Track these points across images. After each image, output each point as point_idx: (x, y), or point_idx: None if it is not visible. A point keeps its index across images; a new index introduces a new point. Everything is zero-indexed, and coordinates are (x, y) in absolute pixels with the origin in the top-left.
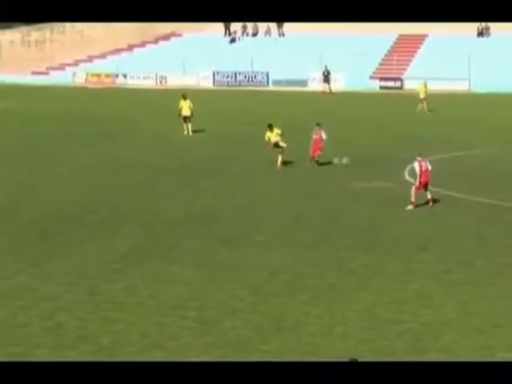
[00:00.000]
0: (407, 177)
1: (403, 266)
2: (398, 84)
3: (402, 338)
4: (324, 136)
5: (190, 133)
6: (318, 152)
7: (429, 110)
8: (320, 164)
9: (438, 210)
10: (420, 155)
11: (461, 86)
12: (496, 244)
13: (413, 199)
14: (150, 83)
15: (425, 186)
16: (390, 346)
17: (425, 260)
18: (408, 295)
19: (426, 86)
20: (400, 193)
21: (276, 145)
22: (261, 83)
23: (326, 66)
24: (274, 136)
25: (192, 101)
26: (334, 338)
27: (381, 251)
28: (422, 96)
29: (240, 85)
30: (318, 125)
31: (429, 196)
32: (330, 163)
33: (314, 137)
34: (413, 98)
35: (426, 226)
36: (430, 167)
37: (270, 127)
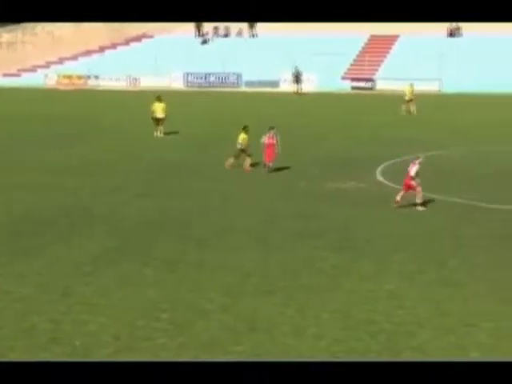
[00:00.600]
0: (379, 177)
1: (376, 266)
2: (369, 84)
3: (376, 338)
4: (278, 140)
5: (162, 134)
6: (272, 160)
7: (408, 112)
8: (284, 168)
9: (412, 211)
10: (418, 157)
11: (432, 87)
12: (470, 244)
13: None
14: (121, 85)
15: (405, 188)
16: (363, 347)
17: (398, 260)
18: (381, 295)
19: (412, 87)
20: (373, 193)
21: (242, 151)
22: (233, 84)
23: (296, 67)
24: (246, 140)
25: (164, 102)
26: (307, 338)
27: (354, 251)
28: (408, 97)
29: (212, 86)
30: (272, 128)
31: (418, 199)
32: (300, 164)
33: (268, 141)
34: (385, 98)
35: (400, 227)
36: (411, 172)
37: (246, 129)
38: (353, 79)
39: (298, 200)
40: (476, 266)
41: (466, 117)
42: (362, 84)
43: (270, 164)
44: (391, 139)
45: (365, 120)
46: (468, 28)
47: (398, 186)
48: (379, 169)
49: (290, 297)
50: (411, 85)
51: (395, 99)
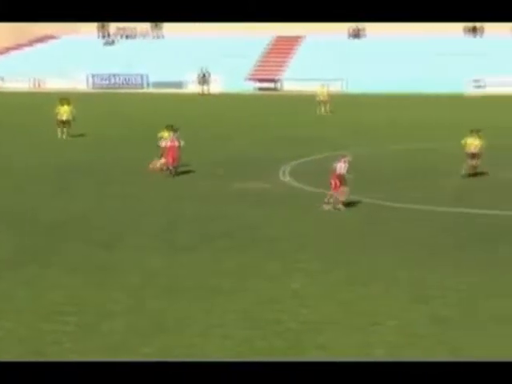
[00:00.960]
0: (285, 178)
1: (282, 265)
2: (275, 85)
3: (281, 337)
4: (182, 143)
5: (68, 137)
6: (176, 163)
7: (326, 112)
8: (190, 169)
9: (318, 210)
10: (344, 156)
11: (336, 87)
12: (375, 244)
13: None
14: (26, 86)
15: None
16: (268, 346)
17: (304, 259)
18: (287, 294)
19: (323, 88)
20: (278, 193)
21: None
22: (139, 85)
23: (202, 68)
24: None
25: (69, 105)
26: (214, 338)
27: (259, 251)
28: (322, 98)
29: (118, 87)
30: (176, 131)
31: (331, 199)
32: (205, 165)
33: (170, 143)
34: (291, 99)
35: (306, 226)
36: (341, 170)
37: (169, 128)
38: (258, 80)
39: (203, 200)
40: (380, 265)
41: (369, 117)
42: (267, 85)
43: (173, 167)
44: (297, 140)
45: (270, 121)
46: (371, 29)
47: (304, 186)
48: (285, 169)
49: (197, 297)
50: (323, 85)
51: (301, 100)
